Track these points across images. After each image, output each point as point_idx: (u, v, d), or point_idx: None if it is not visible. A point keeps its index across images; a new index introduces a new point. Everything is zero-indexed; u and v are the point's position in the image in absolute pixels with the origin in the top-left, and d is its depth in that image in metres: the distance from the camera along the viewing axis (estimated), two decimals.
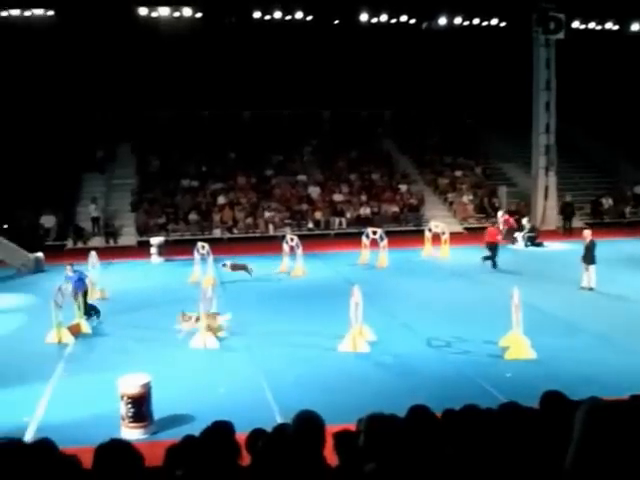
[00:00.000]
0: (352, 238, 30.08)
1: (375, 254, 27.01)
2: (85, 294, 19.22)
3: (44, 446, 4.46)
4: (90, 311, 19.25)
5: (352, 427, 5.62)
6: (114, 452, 4.39)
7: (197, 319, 17.22)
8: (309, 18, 36.54)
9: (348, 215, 36.41)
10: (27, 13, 34.25)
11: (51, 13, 34.45)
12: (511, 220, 32.19)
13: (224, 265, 24.05)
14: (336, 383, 13.73)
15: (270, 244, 30.78)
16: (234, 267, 24.16)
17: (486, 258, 25.95)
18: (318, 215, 36.20)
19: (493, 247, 25.98)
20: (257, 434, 5.74)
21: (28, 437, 10.55)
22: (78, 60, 37.46)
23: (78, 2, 32.98)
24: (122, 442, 4.55)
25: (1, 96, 36.27)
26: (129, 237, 34.34)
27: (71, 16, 34.29)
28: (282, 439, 5.09)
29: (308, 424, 4.88)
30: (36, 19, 34.63)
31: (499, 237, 27.17)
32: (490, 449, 4.62)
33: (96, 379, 14.09)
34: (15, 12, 33.62)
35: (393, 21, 37.63)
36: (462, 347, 16.05)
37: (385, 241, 26.93)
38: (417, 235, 31.26)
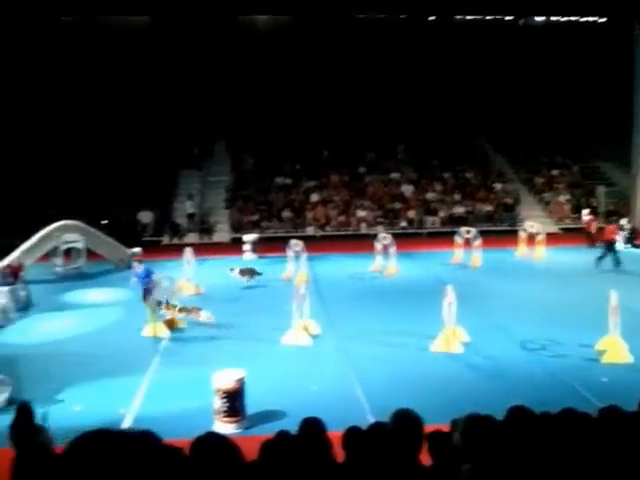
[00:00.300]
0: (445, 237, 29.65)
1: (468, 254, 26.68)
2: (148, 292, 19.37)
3: (148, 437, 4.55)
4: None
5: (443, 428, 5.58)
6: (212, 445, 4.45)
7: (180, 310, 18.02)
8: (403, 16, 36.46)
9: (441, 214, 36.06)
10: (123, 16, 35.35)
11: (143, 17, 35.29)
12: (594, 224, 30.96)
13: (232, 270, 23.60)
14: (428, 383, 13.61)
15: (362, 242, 30.64)
16: (242, 272, 23.67)
17: (600, 258, 25.27)
18: (411, 214, 35.97)
19: (611, 245, 25.33)
20: (353, 432, 5.68)
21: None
22: (175, 59, 38.29)
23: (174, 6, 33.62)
24: (220, 435, 4.62)
25: (103, 97, 37.52)
26: (223, 234, 34.85)
27: (171, 19, 35.02)
28: (379, 437, 5.07)
29: (407, 423, 4.87)
30: (136, 22, 35.54)
31: (615, 236, 26.51)
32: (591, 453, 4.52)
33: (190, 373, 14.34)
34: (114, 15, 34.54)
35: (489, 18, 37.17)
36: (557, 350, 15.69)
37: (479, 241, 26.57)
38: (511, 235, 30.68)
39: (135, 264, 20.34)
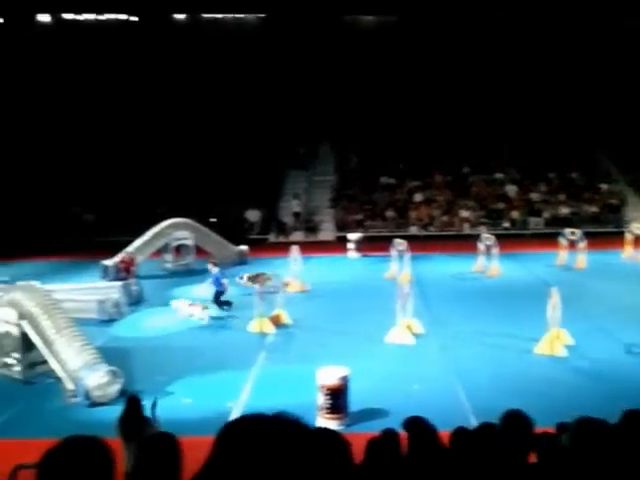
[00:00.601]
0: (549, 238, 29.22)
1: (573, 255, 26.32)
2: (220, 294, 20.01)
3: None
4: (223, 305, 20.05)
5: (548, 430, 5.61)
6: (323, 440, 4.70)
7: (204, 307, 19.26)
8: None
9: (545, 214, 35.61)
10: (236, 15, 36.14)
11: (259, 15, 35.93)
12: None
13: (240, 278, 22.32)
14: (531, 386, 13.54)
15: (465, 243, 30.59)
16: (250, 279, 22.28)
17: None
18: (514, 214, 35.67)
19: None
20: (461, 432, 5.74)
21: None
22: (282, 60, 38.94)
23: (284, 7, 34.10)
24: (330, 430, 4.89)
25: (215, 98, 38.60)
26: (328, 232, 35.42)
27: (281, 19, 35.55)
28: (488, 438, 5.11)
29: (517, 424, 4.91)
30: (248, 21, 36.23)
31: None
32: None
33: (294, 369, 14.63)
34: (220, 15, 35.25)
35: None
36: None
37: (584, 242, 26.19)
38: (617, 237, 30.06)
39: (210, 266, 20.81)
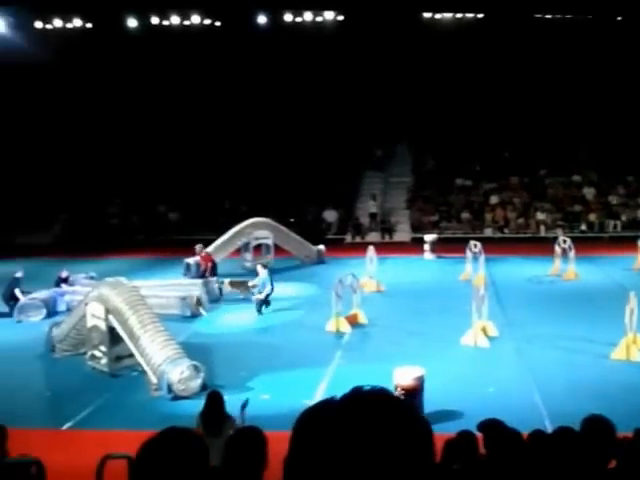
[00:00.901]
0: (627, 242, 28.71)
1: None
2: (265, 299, 20.44)
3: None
4: (262, 306, 20.45)
5: (625, 436, 5.68)
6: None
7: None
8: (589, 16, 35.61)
9: (624, 217, 35.06)
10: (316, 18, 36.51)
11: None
12: None
13: (222, 282, 23.04)
14: (607, 391, 13.39)
15: (541, 245, 30.42)
16: (233, 284, 23.10)
17: None
18: (592, 217, 35.21)
19: None
20: (538, 435, 5.83)
21: None
22: (359, 61, 39.14)
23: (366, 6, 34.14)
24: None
25: (295, 101, 39.26)
26: (403, 233, 35.49)
27: (359, 19, 35.71)
28: (567, 442, 5.09)
29: (599, 429, 4.93)
30: (326, 22, 36.50)
31: None
32: None
33: (370, 368, 14.63)
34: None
35: None
36: None
37: None
38: None
39: (259, 267, 21.29)
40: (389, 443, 1.55)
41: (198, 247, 25.19)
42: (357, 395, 1.74)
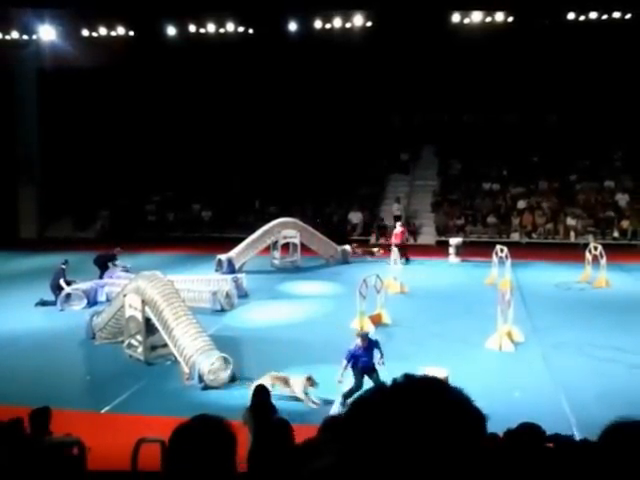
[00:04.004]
0: None
1: None
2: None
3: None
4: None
5: None
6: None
7: None
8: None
9: None
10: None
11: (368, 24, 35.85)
12: None
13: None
14: (638, 401, 12.78)
15: (570, 251, 29.90)
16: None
17: None
18: (625, 224, 34.36)
19: None
20: (561, 440, 5.66)
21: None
22: (389, 64, 38.87)
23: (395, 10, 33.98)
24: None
25: (323, 105, 39.40)
26: (428, 236, 35.28)
27: (389, 24, 35.51)
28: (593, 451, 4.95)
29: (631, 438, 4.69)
30: (358, 28, 36.32)
31: None
32: None
33: (394, 367, 14.24)
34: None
35: None
36: None
37: None
38: None
39: (359, 340, 21.03)
40: (441, 430, 1.58)
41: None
42: (409, 382, 1.75)
